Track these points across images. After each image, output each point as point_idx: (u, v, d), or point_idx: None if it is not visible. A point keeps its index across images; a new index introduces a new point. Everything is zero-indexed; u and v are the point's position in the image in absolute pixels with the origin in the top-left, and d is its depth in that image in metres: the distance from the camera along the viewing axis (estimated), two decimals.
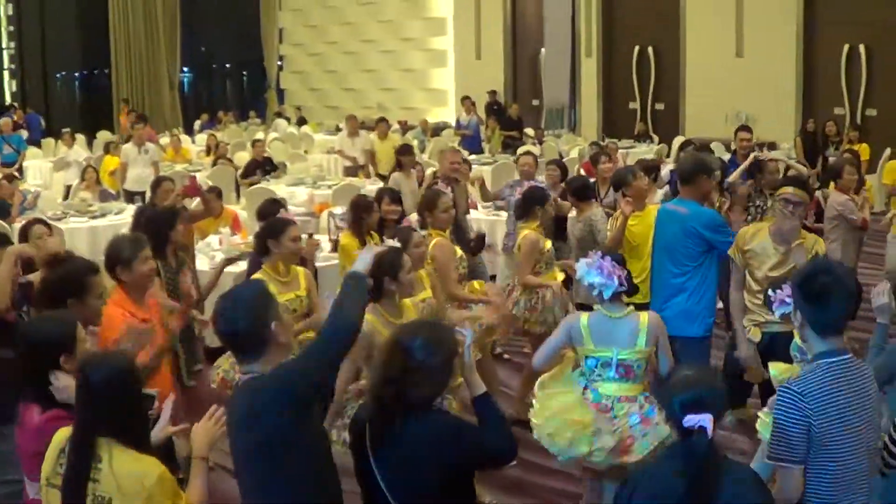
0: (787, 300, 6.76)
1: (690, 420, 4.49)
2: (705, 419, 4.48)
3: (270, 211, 10.40)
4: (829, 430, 4.72)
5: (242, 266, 12.07)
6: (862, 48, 25.64)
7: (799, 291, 4.92)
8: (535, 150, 25.59)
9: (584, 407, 7.27)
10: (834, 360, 4.84)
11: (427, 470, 4.81)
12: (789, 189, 8.77)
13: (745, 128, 14.95)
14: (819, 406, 4.71)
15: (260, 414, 4.76)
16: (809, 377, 4.83)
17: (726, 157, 15.77)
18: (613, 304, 7.47)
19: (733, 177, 13.05)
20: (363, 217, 10.42)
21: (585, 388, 7.37)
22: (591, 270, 7.41)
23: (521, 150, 24.38)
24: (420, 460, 4.82)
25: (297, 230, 8.74)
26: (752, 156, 13.44)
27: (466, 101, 28.79)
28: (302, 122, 35.49)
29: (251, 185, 19.65)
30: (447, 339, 5.09)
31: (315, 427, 4.96)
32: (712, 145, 22.91)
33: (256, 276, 8.35)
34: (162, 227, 9.21)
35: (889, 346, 6.89)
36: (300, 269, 8.85)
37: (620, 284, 7.39)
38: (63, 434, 4.96)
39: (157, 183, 12.28)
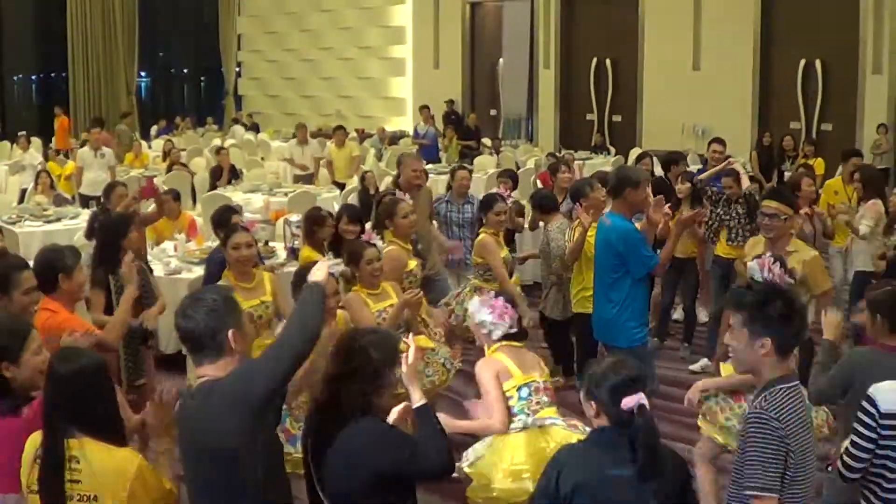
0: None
1: (629, 401, 4.67)
2: (642, 397, 4.71)
3: (225, 218, 10.35)
4: (798, 455, 4.68)
5: (197, 272, 12.07)
6: (818, 63, 25.81)
7: (762, 317, 4.82)
8: (492, 160, 25.64)
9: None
10: (790, 384, 4.81)
11: (360, 476, 4.84)
12: (766, 202, 8.86)
13: (717, 140, 15.14)
14: (792, 430, 4.67)
15: (215, 419, 4.69)
16: (779, 402, 4.75)
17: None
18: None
19: (703, 176, 13.30)
20: (314, 230, 10.37)
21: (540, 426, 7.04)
22: (483, 308, 7.28)
23: (478, 160, 24.42)
24: (353, 466, 4.85)
25: (241, 237, 8.57)
26: (726, 161, 13.58)
27: (425, 111, 28.82)
28: (255, 128, 35.36)
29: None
30: (387, 345, 5.17)
31: (268, 432, 4.94)
32: None
33: (221, 283, 8.22)
34: (115, 235, 9.03)
35: (844, 356, 6.93)
36: (266, 273, 8.78)
37: (511, 326, 7.27)
38: (36, 439, 4.94)
39: (111, 188, 12.13)
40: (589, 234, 10.10)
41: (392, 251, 9.60)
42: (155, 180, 14.16)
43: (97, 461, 4.75)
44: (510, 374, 7.10)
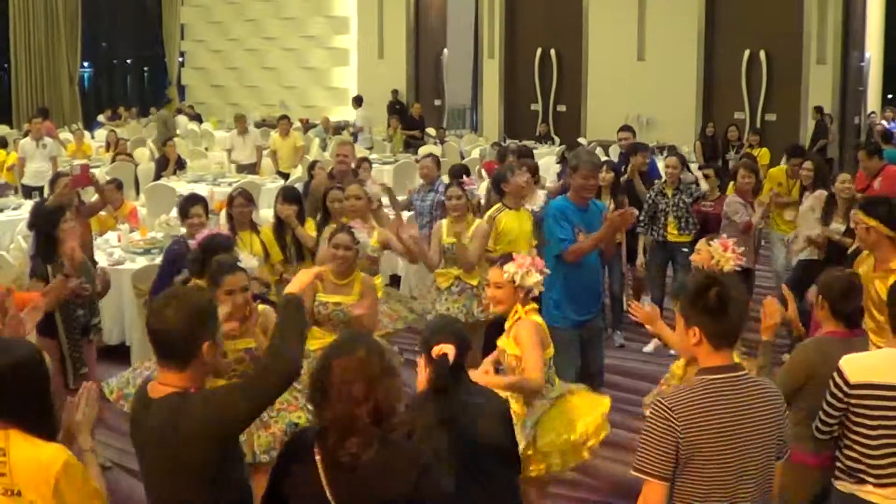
0: None
1: (435, 350, 5.46)
2: (450, 348, 5.46)
3: (189, 206, 10.28)
4: (696, 449, 4.65)
5: (141, 262, 11.97)
6: (762, 54, 25.96)
7: (693, 306, 4.79)
8: (437, 149, 25.66)
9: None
10: (719, 376, 4.75)
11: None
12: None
13: (625, 128, 16.09)
14: (687, 424, 4.63)
15: (186, 437, 4.51)
16: (684, 393, 4.75)
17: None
18: None
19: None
20: (230, 213, 10.37)
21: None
22: (530, 271, 7.27)
23: (422, 149, 24.40)
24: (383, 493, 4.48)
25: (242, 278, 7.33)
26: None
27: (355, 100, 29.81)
28: (197, 118, 35.13)
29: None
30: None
31: (237, 453, 4.87)
32: (611, 148, 23.04)
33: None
34: (48, 225, 8.88)
35: (793, 354, 6.90)
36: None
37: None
38: None
39: (55, 178, 12.04)
40: (507, 219, 10.42)
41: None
42: (95, 170, 14.02)
43: (21, 455, 4.60)
44: (546, 345, 7.19)
